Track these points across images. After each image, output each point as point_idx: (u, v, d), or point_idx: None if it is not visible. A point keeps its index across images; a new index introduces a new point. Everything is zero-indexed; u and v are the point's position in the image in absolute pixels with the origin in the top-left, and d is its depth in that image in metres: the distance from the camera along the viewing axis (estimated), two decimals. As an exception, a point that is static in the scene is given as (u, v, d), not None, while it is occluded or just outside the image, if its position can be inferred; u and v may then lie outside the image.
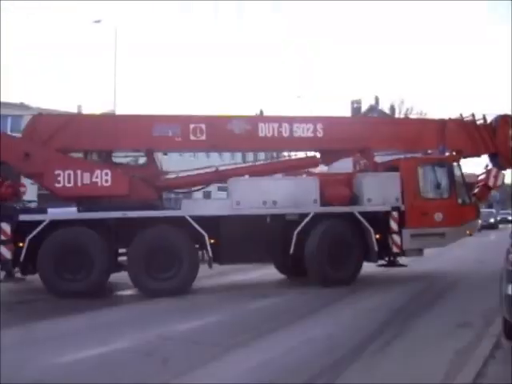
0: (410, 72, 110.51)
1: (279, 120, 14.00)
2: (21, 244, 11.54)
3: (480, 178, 15.74)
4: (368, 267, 13.74)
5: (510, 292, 6.57)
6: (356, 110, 65.98)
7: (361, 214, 13.05)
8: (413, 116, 61.47)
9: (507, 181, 16.05)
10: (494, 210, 50.16)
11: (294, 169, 15.00)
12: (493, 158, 15.53)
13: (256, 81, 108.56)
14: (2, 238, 11.51)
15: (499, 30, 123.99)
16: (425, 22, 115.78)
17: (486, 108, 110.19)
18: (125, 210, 12.01)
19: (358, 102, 67.05)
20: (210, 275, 13.41)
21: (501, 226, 45.54)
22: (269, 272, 14.99)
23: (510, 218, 56.20)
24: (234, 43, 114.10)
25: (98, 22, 39.08)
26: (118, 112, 27.26)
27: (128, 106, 61.01)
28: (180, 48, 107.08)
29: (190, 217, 12.11)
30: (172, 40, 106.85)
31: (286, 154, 17.10)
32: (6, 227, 11.54)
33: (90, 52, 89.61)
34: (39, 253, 11.67)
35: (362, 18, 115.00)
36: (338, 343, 7.51)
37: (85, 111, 45.69)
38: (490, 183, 15.44)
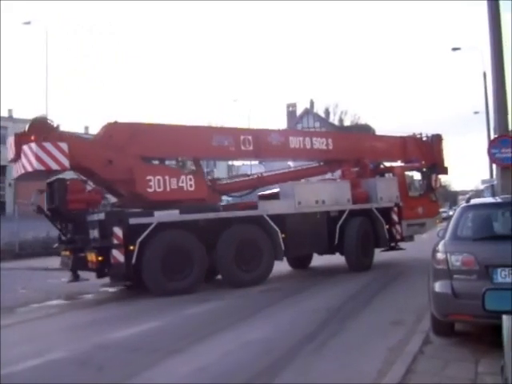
0: (344, 75, 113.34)
1: (303, 134, 17.09)
2: (131, 247, 11.88)
3: None
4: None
5: (436, 289, 6.88)
6: (291, 113, 66.87)
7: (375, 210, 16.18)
8: (347, 119, 63.13)
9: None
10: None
11: (312, 175, 17.91)
12: (431, 166, 19.50)
13: (192, 85, 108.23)
14: (115, 241, 11.76)
15: (431, 36, 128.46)
16: (355, 26, 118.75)
17: (414, 111, 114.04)
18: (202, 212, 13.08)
19: (293, 105, 68.04)
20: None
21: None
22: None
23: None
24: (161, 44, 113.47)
25: (28, 23, 38.01)
26: (50, 116, 26.58)
27: (61, 110, 59.65)
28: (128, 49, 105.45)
29: (267, 215, 13.73)
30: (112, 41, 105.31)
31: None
32: (119, 231, 11.78)
33: (21, 55, 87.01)
34: (147, 254, 12.04)
35: (295, 20, 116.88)
36: (275, 345, 7.59)
37: (16, 116, 44.36)
38: (433, 185, 19.21)
